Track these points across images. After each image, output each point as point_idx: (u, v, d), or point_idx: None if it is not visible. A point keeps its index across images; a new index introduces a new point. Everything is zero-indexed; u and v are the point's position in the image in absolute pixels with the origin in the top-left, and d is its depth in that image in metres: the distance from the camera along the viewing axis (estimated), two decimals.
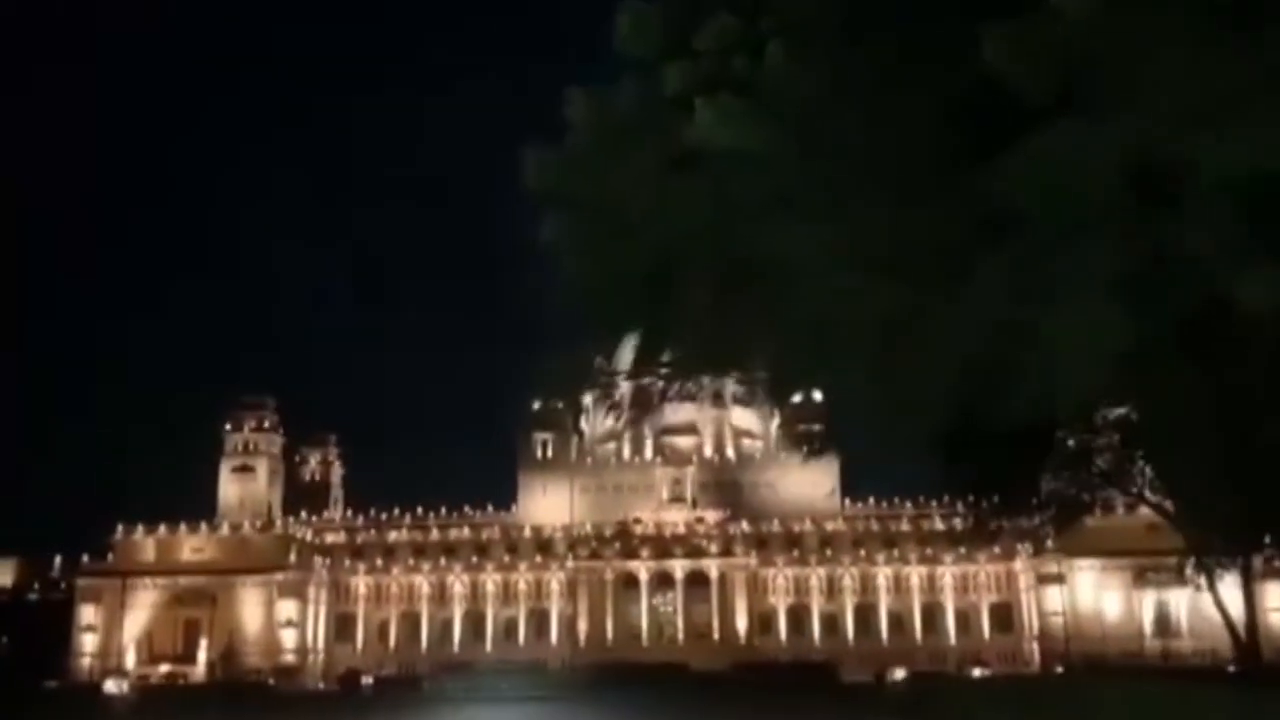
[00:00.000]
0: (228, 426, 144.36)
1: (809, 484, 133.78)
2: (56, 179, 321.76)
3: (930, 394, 9.01)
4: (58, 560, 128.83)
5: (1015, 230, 7.52)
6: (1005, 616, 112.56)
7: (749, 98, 8.17)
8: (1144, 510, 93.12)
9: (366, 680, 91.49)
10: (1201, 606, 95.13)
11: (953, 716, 34.67)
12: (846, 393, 9.33)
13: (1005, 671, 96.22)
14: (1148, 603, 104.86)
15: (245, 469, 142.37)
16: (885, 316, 8.48)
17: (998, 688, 59.17)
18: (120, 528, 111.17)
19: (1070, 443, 32.35)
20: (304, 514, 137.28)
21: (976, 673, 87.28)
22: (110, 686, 75.39)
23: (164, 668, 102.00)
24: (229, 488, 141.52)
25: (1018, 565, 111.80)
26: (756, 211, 8.64)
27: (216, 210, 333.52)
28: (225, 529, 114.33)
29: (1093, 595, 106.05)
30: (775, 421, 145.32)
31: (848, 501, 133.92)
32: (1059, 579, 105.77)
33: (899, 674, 77.28)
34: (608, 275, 9.53)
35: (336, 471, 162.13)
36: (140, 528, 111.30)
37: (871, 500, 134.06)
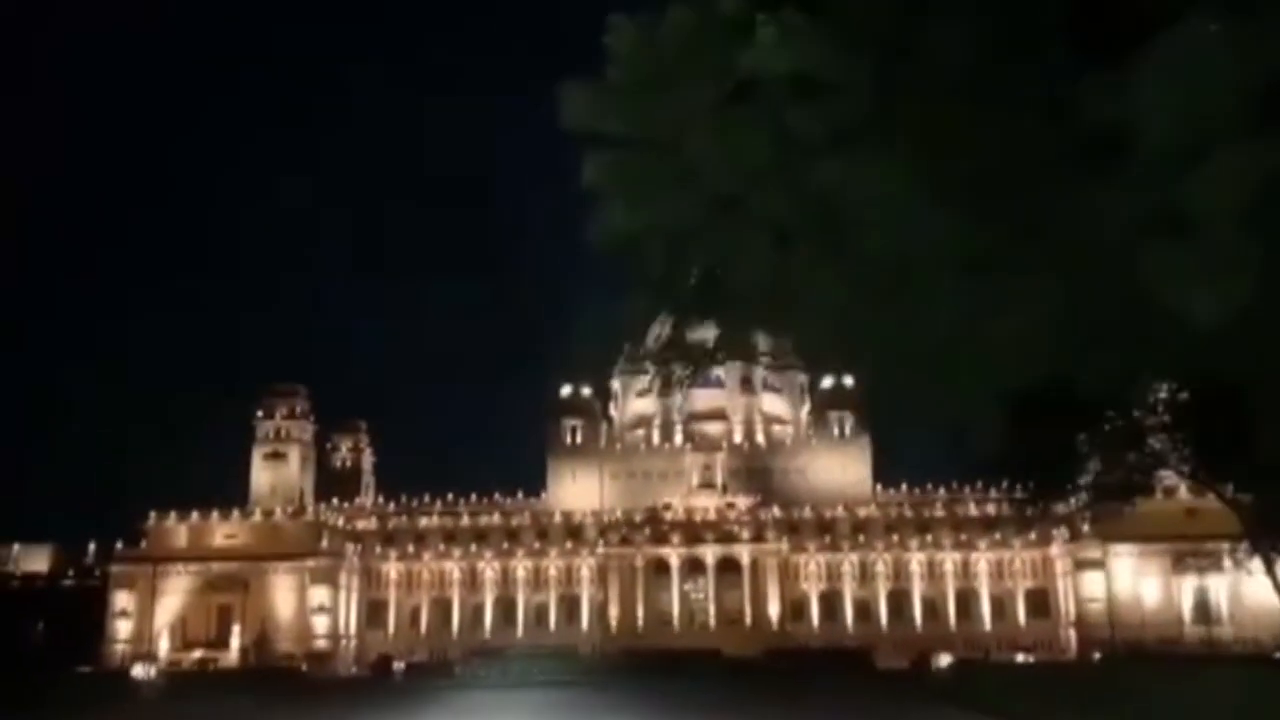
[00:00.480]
0: (259, 414, 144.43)
1: (840, 470, 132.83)
2: (62, 178, 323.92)
3: (1016, 348, 8.04)
4: (92, 547, 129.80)
5: (1127, 154, 6.54)
6: (1041, 602, 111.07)
7: (816, 14, 7.23)
8: (1183, 494, 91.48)
9: (398, 666, 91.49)
10: (1244, 593, 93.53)
11: (1012, 708, 33.63)
12: (915, 347, 8.35)
13: (1046, 658, 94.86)
14: (1187, 589, 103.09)
15: (277, 456, 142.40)
16: (970, 259, 7.52)
17: (1047, 675, 57.87)
18: (153, 514, 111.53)
19: (1119, 422, 31.15)
20: (335, 501, 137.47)
21: (1020, 658, 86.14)
22: (138, 672, 75.03)
23: (197, 654, 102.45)
24: (261, 475, 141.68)
25: (1054, 550, 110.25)
26: (823, 145, 7.67)
27: (247, 196, 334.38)
28: (257, 515, 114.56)
29: (1131, 581, 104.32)
30: (806, 407, 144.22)
31: (879, 488, 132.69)
32: (1097, 564, 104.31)
33: (944, 660, 75.77)
34: (657, 221, 8.59)
35: (368, 459, 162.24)
36: (173, 514, 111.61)
37: (904, 486, 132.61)
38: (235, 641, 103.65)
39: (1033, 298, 7.94)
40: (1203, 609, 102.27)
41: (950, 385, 8.89)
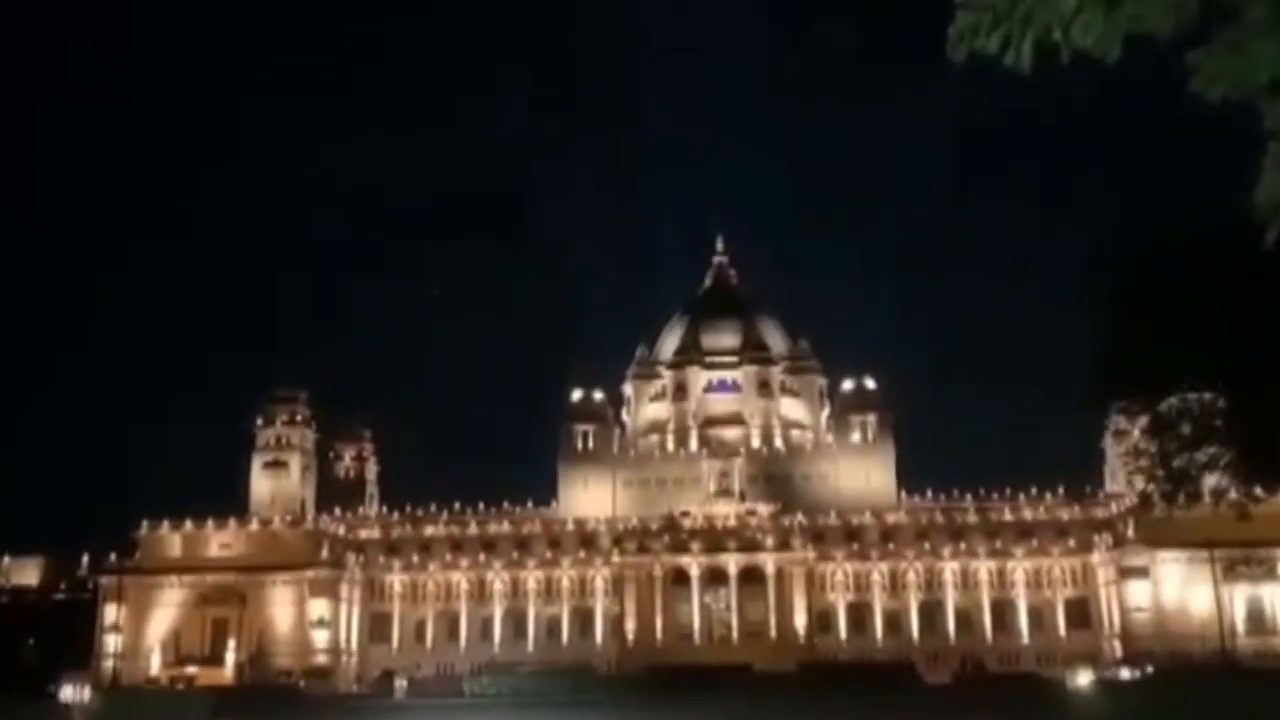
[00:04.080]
0: (259, 420, 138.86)
1: (863, 475, 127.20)
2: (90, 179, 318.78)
3: None
4: (85, 558, 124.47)
5: None
6: (1081, 613, 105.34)
7: None
8: (1233, 496, 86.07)
9: (400, 682, 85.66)
10: None
11: None
12: None
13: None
14: (1239, 597, 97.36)
15: (277, 464, 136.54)
16: None
17: (1181, 691, 51.63)
18: (145, 523, 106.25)
19: None
20: (338, 511, 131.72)
21: (1125, 674, 79.34)
22: (68, 694, 61.43)
23: (189, 670, 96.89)
24: (261, 484, 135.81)
25: (1095, 558, 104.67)
26: None
27: (251, 201, 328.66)
28: (254, 524, 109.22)
29: (1178, 590, 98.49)
30: (825, 411, 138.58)
31: (904, 494, 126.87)
32: (1143, 572, 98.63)
33: (1082, 679, 63.02)
34: None
35: (372, 469, 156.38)
36: (166, 524, 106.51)
37: (929, 493, 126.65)
38: (230, 657, 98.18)
39: None
40: (1256, 619, 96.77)
41: None
